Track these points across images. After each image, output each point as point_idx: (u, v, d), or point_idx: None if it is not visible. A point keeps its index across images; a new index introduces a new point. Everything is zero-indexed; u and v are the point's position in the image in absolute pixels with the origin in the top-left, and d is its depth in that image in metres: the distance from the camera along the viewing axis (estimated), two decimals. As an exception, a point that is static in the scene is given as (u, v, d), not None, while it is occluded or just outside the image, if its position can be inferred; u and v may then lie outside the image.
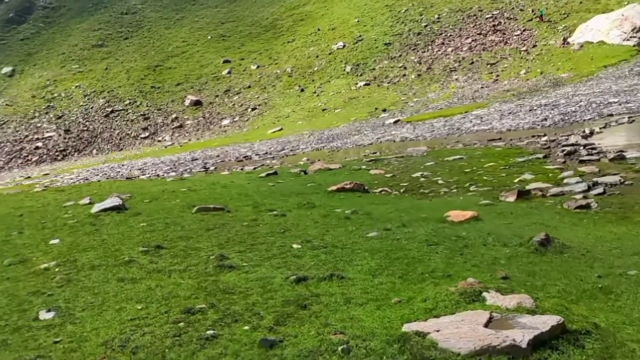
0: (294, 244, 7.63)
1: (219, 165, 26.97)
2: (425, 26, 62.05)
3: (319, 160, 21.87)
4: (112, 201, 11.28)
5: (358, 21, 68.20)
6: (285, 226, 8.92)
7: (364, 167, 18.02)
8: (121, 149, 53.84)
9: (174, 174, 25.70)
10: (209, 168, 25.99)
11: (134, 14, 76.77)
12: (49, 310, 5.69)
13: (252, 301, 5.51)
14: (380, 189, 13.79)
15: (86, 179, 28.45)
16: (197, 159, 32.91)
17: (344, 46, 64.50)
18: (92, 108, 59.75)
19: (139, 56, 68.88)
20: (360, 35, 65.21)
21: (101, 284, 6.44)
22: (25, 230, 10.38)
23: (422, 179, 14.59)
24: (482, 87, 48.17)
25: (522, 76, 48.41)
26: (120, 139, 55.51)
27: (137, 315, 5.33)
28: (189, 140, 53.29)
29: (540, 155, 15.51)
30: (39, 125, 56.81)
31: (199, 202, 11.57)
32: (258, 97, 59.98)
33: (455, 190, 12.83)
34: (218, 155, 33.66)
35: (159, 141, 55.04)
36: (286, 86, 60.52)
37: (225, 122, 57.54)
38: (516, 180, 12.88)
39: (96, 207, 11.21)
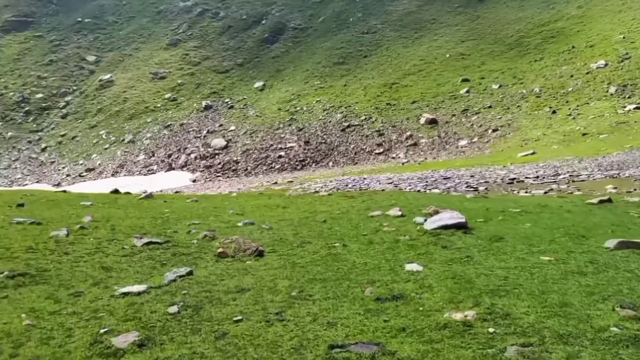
0: None
1: (488, 187, 23.26)
2: None
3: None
4: (453, 217, 8.32)
5: (624, 37, 59.39)
6: None
7: None
8: (355, 163, 53.58)
9: (436, 190, 22.90)
10: (478, 188, 22.44)
11: (374, 33, 77.81)
12: None
13: None
14: None
15: (337, 189, 27.33)
16: (449, 178, 30.02)
17: (605, 65, 56.41)
18: (329, 122, 61.06)
19: (376, 74, 69.11)
20: (626, 53, 56.41)
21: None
22: (346, 241, 8.01)
23: None
24: None
25: None
26: (355, 153, 55.45)
27: None
28: (425, 159, 50.71)
29: None
30: (282, 135, 59.75)
31: (581, 231, 7.94)
32: (500, 118, 55.11)
33: None
34: (472, 175, 30.18)
35: (393, 157, 53.56)
36: (534, 107, 54.66)
37: (463, 142, 53.82)
38: None
39: (431, 223, 8.37)
